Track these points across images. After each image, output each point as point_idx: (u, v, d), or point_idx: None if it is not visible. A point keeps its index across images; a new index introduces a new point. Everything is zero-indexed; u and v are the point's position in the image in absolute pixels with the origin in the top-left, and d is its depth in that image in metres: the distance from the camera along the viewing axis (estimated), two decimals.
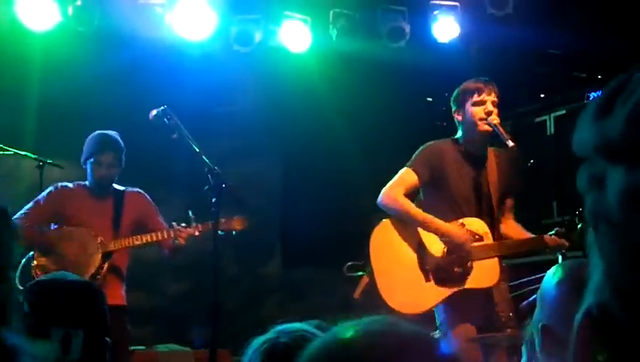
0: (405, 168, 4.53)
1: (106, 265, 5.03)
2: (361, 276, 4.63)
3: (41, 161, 5.52)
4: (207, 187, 4.38)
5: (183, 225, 5.05)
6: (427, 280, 4.44)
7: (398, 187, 4.49)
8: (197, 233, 5.03)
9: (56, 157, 5.70)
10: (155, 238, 5.09)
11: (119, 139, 5.22)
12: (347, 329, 0.98)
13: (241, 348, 1.93)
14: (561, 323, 1.99)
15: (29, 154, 5.56)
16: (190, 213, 5.02)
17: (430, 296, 4.44)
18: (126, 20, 6.25)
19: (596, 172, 0.75)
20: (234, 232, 5.09)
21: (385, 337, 0.95)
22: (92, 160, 5.13)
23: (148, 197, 5.38)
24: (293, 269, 8.09)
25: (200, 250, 5.23)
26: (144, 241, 5.11)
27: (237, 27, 6.56)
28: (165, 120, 4.56)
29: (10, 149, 5.48)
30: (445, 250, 4.45)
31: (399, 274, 4.46)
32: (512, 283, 4.70)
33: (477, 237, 4.48)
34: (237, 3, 6.58)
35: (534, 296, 4.50)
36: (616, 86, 0.77)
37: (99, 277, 4.96)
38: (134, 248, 5.23)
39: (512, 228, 4.72)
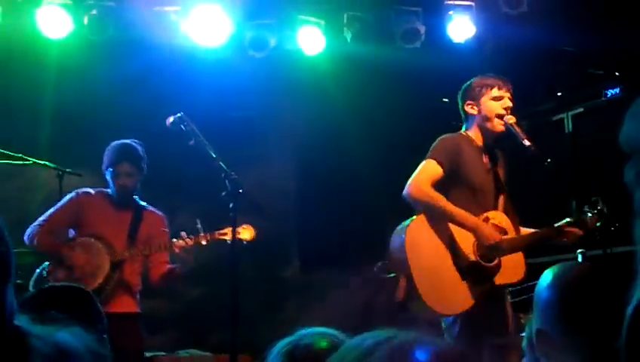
0: (427, 160, 4.40)
1: (116, 275, 5.06)
2: (392, 276, 4.51)
3: (60, 170, 5.56)
4: (224, 193, 4.40)
5: (192, 236, 5.07)
6: (463, 278, 4.32)
7: (425, 179, 4.35)
8: (204, 242, 5.04)
9: (73, 165, 5.74)
10: (164, 247, 5.11)
11: (138, 147, 5.25)
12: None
13: (261, 353, 1.95)
14: (553, 327, 1.97)
15: (48, 163, 5.59)
16: (198, 222, 5.03)
17: (468, 294, 4.31)
18: (141, 27, 6.28)
19: None
20: (244, 242, 5.08)
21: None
22: (110, 170, 5.18)
23: (166, 222, 5.39)
24: (311, 273, 8.09)
25: (217, 255, 5.24)
26: (153, 251, 5.13)
27: (251, 32, 6.58)
28: (182, 126, 4.59)
29: (29, 159, 5.52)
30: (475, 246, 4.39)
31: (437, 274, 4.31)
32: (527, 284, 4.66)
33: (502, 231, 4.45)
34: (251, 9, 6.59)
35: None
36: None
37: (108, 287, 4.99)
38: (144, 257, 5.24)
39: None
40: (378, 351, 0.93)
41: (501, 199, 4.58)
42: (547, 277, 2.05)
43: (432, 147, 4.48)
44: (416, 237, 4.36)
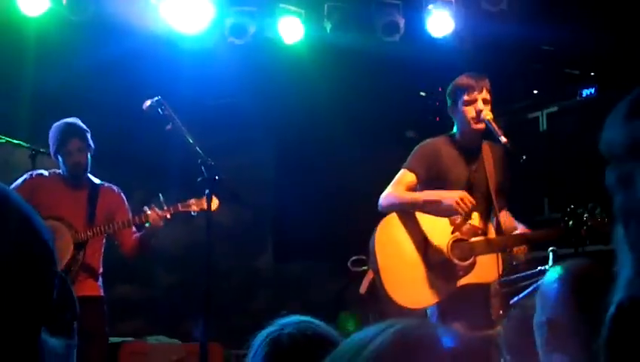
0: (402, 170, 4.53)
1: (80, 256, 5.02)
2: (365, 271, 4.59)
3: (33, 149, 5.51)
4: (200, 179, 4.39)
5: (154, 209, 5.04)
6: (433, 275, 4.41)
7: (396, 187, 4.49)
8: (168, 215, 5.03)
9: (49, 146, 5.69)
10: (127, 224, 5.08)
11: (80, 123, 5.19)
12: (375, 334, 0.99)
13: (231, 341, 1.96)
14: (566, 315, 2.10)
15: (22, 143, 5.54)
16: (160, 196, 5.01)
17: (436, 290, 4.40)
18: (122, 10, 6.23)
19: (625, 171, 0.77)
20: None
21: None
22: (61, 151, 5.13)
23: (123, 195, 5.35)
24: (285, 263, 8.10)
25: (191, 242, 5.24)
26: (115, 228, 5.09)
27: (231, 19, 6.56)
28: (159, 110, 4.55)
29: (3, 138, 5.47)
30: (450, 245, 4.44)
31: (405, 269, 4.42)
32: (502, 280, 4.70)
33: (480, 232, 4.48)
34: None
35: (525, 293, 4.50)
36: None
37: (73, 268, 4.95)
38: (108, 236, 5.21)
39: (506, 221, 4.70)
40: (383, 334, 0.95)
41: (483, 199, 4.57)
42: (557, 271, 2.23)
43: (410, 155, 4.57)
44: (386, 234, 4.48)
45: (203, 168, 4.38)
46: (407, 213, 4.51)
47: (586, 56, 6.99)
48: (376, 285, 4.46)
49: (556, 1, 6.78)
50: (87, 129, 5.18)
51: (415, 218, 4.49)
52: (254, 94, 7.56)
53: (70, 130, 5.13)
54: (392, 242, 4.47)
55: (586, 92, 6.90)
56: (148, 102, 4.59)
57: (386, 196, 4.50)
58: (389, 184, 4.60)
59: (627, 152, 0.78)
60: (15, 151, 5.87)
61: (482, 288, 4.50)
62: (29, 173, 5.22)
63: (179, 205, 5.03)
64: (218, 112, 7.43)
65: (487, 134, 4.57)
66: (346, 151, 7.69)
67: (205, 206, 4.88)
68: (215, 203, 4.96)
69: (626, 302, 0.77)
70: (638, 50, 6.31)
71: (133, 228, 5.18)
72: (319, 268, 7.94)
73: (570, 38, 6.60)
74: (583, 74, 7.15)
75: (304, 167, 7.95)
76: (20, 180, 5.17)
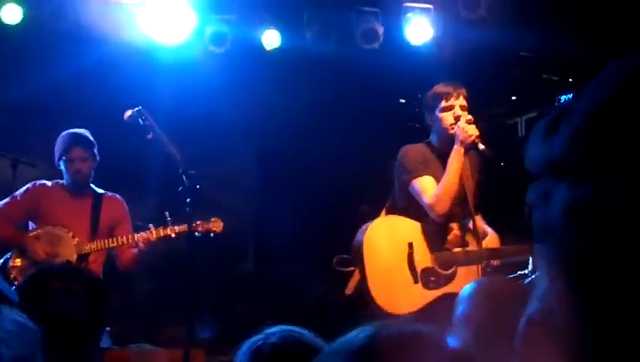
0: (417, 179, 4.48)
1: (82, 267, 5.02)
2: (351, 271, 4.55)
3: (14, 159, 5.50)
4: (181, 188, 4.40)
5: (160, 227, 5.05)
6: (415, 281, 4.42)
7: (429, 193, 4.44)
8: (173, 234, 5.04)
9: (29, 156, 5.68)
10: (131, 240, 5.08)
11: (88, 134, 5.22)
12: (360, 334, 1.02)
13: (213, 348, 1.98)
14: (473, 333, 2.05)
15: (1, 152, 5.53)
16: (167, 214, 5.01)
17: (418, 297, 4.41)
18: (102, 19, 6.22)
19: (545, 188, 0.80)
20: (212, 234, 5.10)
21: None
22: (64, 158, 5.13)
23: (125, 205, 5.37)
24: (267, 269, 8.10)
25: (174, 249, 5.24)
26: (119, 243, 5.09)
27: (211, 28, 6.57)
28: (140, 120, 4.57)
29: None
30: (435, 254, 4.44)
31: (391, 273, 4.42)
32: None
33: (461, 242, 4.51)
34: (212, 3, 6.58)
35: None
36: (564, 106, 0.82)
37: None
38: (109, 250, 5.22)
39: (480, 226, 4.72)
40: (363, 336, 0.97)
41: (464, 205, 4.60)
42: (468, 288, 2.22)
43: (406, 163, 4.53)
44: (375, 237, 4.46)
45: (184, 177, 4.40)
46: (396, 217, 4.51)
47: (565, 62, 7.05)
48: (361, 287, 4.45)
49: (534, 7, 6.84)
50: (94, 142, 5.20)
51: (403, 223, 4.50)
52: (235, 102, 7.57)
53: (75, 139, 5.16)
54: (380, 245, 4.46)
55: (564, 97, 6.95)
56: (129, 113, 4.61)
57: (435, 204, 4.41)
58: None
59: (545, 170, 0.81)
60: None
61: (452, 298, 4.50)
62: (32, 182, 5.23)
63: (186, 225, 5.01)
64: (199, 121, 7.43)
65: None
66: (327, 157, 7.71)
67: (212, 227, 5.07)
68: (220, 225, 5.03)
69: (537, 314, 0.80)
70: (615, 56, 6.38)
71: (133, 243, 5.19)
72: (301, 274, 7.94)
73: (548, 43, 6.65)
74: (562, 79, 7.21)
75: (285, 175, 7.97)
76: (22, 189, 5.18)
